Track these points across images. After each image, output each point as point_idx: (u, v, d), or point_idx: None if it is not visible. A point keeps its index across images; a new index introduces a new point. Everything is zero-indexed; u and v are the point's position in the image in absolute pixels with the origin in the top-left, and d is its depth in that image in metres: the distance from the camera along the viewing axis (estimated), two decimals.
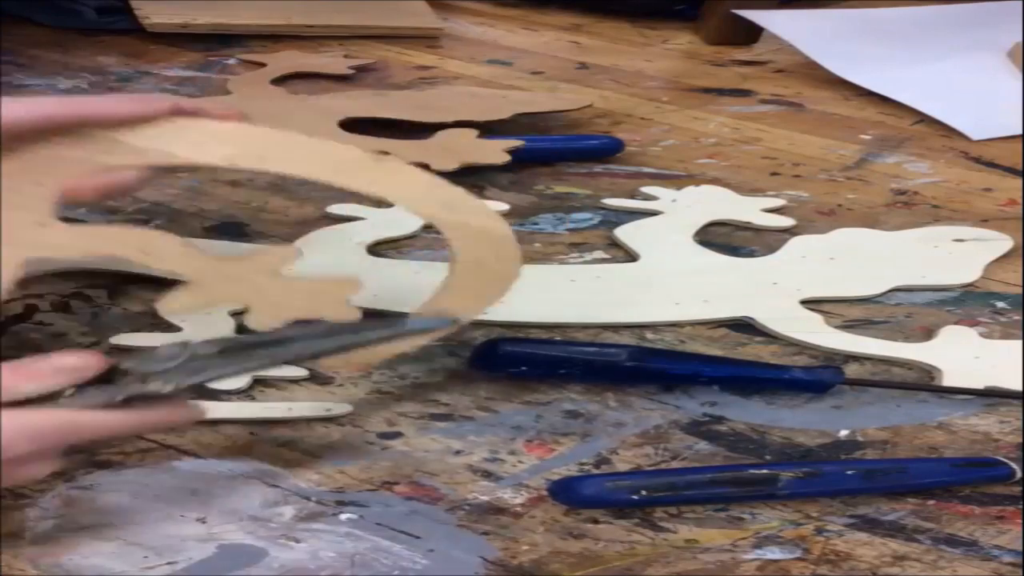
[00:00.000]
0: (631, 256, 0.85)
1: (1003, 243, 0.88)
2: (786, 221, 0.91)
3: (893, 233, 0.90)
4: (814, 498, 0.62)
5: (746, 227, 0.90)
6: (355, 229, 0.86)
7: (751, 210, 0.92)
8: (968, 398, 0.71)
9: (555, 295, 0.79)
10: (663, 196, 0.94)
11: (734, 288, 0.81)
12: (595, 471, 0.64)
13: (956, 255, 0.87)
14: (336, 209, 0.89)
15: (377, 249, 0.84)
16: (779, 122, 1.12)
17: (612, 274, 0.83)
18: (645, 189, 0.95)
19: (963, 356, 0.75)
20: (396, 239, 0.86)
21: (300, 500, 0.60)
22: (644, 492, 0.60)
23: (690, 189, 0.95)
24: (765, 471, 0.62)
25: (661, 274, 0.82)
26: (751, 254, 0.86)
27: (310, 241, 0.84)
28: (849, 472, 0.63)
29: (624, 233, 0.87)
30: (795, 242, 0.87)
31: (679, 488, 0.61)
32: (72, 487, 0.60)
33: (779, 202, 0.94)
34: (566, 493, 0.60)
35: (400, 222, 0.87)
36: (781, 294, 0.80)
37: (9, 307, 0.76)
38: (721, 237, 0.89)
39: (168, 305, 0.64)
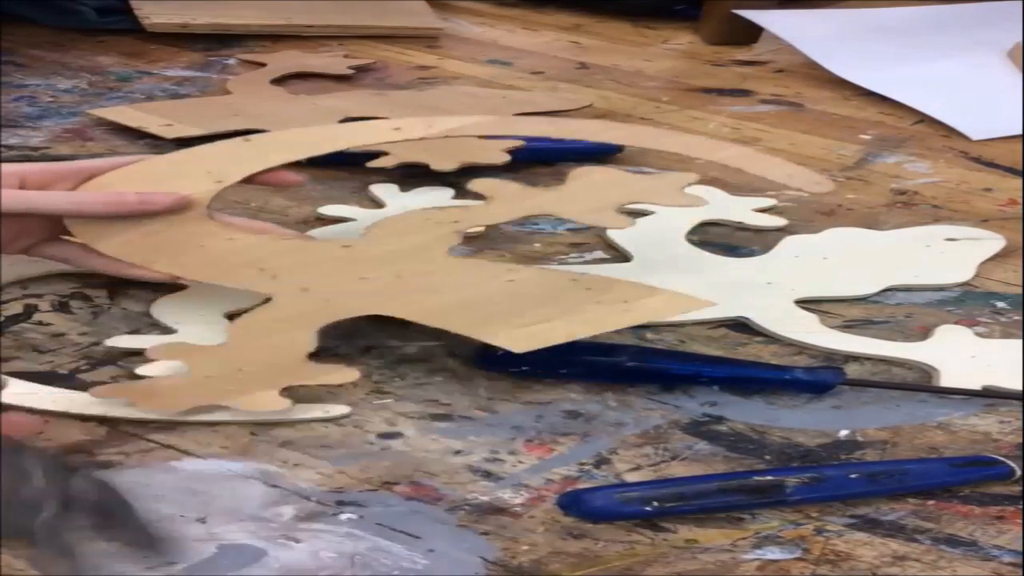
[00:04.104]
0: (625, 257, 0.85)
1: (995, 242, 0.88)
2: (777, 221, 0.91)
3: (886, 233, 0.90)
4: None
5: (743, 227, 0.90)
6: (346, 230, 0.86)
7: (742, 210, 0.92)
8: (968, 398, 0.71)
9: None
10: None
11: (728, 288, 0.81)
12: (595, 471, 0.64)
13: (949, 254, 0.87)
14: (328, 210, 0.89)
15: None
16: (779, 122, 1.13)
17: (606, 274, 0.82)
18: None
19: (959, 355, 0.75)
20: None
21: (300, 500, 0.60)
22: (656, 503, 0.60)
23: None
24: (770, 477, 0.62)
25: (654, 274, 0.82)
26: (751, 254, 0.86)
27: None
28: (852, 476, 0.63)
29: (616, 233, 0.87)
30: (788, 242, 0.87)
31: (688, 497, 0.61)
32: None
33: (770, 202, 0.93)
34: (577, 506, 0.60)
35: None
36: (775, 294, 0.80)
37: (9, 307, 0.76)
38: (720, 237, 0.89)
39: None
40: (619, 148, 1.02)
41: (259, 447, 0.64)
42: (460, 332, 0.68)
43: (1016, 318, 0.80)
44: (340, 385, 0.67)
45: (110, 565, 0.55)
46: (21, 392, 0.67)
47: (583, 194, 0.82)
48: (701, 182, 0.97)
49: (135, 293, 0.77)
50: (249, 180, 0.81)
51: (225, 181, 0.80)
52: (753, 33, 1.33)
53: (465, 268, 0.75)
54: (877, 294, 0.82)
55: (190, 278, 0.75)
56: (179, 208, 0.76)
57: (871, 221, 0.92)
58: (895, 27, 1.33)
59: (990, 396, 0.71)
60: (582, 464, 0.64)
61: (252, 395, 0.65)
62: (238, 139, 0.85)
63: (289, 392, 0.66)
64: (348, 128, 0.92)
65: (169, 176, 0.79)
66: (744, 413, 0.69)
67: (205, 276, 0.74)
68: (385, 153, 0.96)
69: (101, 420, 0.65)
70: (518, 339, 0.67)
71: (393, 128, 0.89)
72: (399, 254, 0.75)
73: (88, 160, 0.78)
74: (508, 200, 0.82)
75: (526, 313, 0.70)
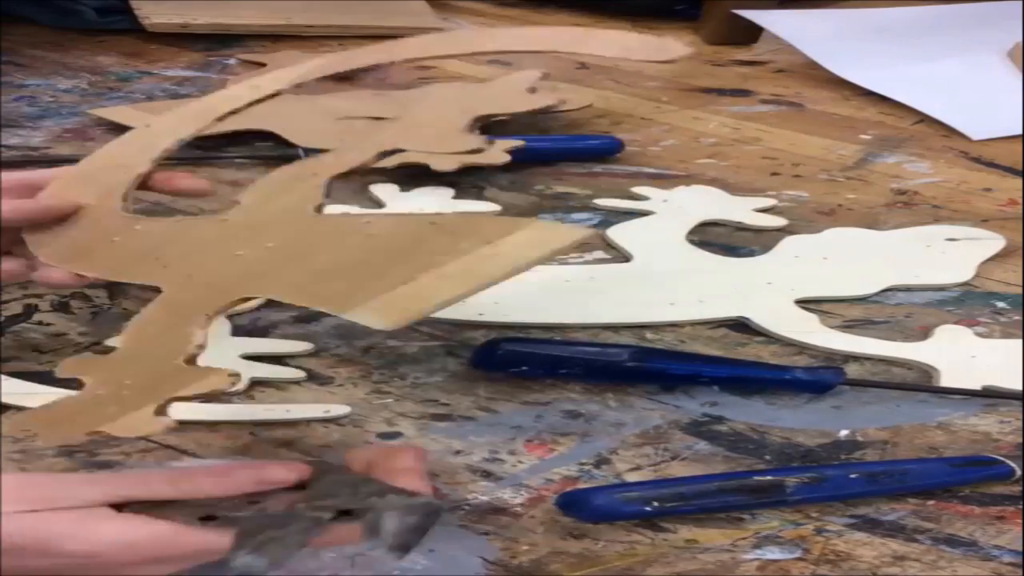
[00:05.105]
0: (625, 257, 0.85)
1: (995, 242, 0.88)
2: (777, 221, 0.91)
3: (886, 233, 0.90)
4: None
5: (743, 227, 0.90)
6: None
7: (742, 210, 0.92)
8: (968, 398, 0.71)
9: (551, 295, 0.79)
10: (654, 196, 0.94)
11: (728, 288, 0.81)
12: (595, 471, 0.64)
13: (949, 254, 0.87)
14: (328, 210, 0.89)
15: None
16: (779, 122, 1.13)
17: (606, 275, 0.83)
18: (636, 189, 0.95)
19: (959, 355, 0.75)
20: None
21: None
22: (656, 503, 0.60)
23: (681, 189, 0.95)
24: (770, 477, 0.62)
25: (654, 274, 0.82)
26: (751, 254, 0.86)
27: None
28: (853, 476, 0.63)
29: (616, 234, 0.87)
30: (788, 242, 0.87)
31: (688, 497, 0.61)
32: None
33: (770, 202, 0.94)
34: (576, 506, 0.60)
35: None
36: (776, 294, 0.80)
37: (9, 307, 0.76)
38: (720, 237, 0.89)
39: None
40: (620, 147, 1.02)
41: (259, 447, 0.64)
42: (327, 311, 0.60)
43: (1016, 318, 0.80)
44: (214, 393, 0.57)
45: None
46: (21, 392, 0.67)
47: (429, 117, 0.78)
48: (705, 182, 0.97)
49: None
50: (147, 185, 0.76)
51: (136, 169, 0.75)
52: (753, 33, 1.34)
53: (328, 227, 0.68)
54: (877, 294, 0.82)
55: (103, 278, 0.70)
56: (69, 208, 0.72)
57: (871, 221, 0.92)
58: (895, 27, 1.33)
59: (990, 396, 0.71)
60: (582, 464, 0.64)
61: (127, 419, 0.55)
62: (141, 126, 0.81)
63: (168, 407, 0.55)
64: (215, 96, 0.88)
65: (87, 178, 0.75)
66: (744, 413, 0.69)
67: (112, 274, 0.69)
68: (389, 153, 0.96)
69: None
70: (382, 312, 0.58)
71: (251, 87, 0.86)
72: (268, 222, 0.70)
73: (33, 171, 0.76)
74: (357, 143, 0.77)
75: (389, 273, 0.60)
